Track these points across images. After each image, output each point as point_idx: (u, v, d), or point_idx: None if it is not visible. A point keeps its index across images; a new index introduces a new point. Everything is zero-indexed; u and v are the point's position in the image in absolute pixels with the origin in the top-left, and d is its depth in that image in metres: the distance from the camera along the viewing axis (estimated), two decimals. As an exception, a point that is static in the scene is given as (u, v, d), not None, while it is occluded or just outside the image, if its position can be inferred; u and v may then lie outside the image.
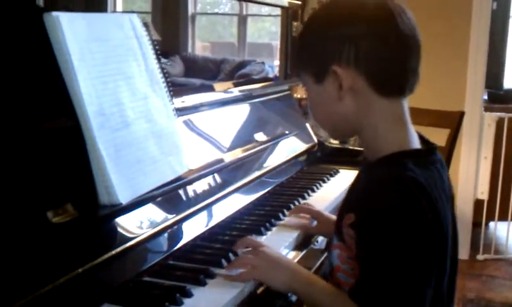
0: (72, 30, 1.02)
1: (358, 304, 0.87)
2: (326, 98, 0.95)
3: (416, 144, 0.97)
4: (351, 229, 0.93)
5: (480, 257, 3.31)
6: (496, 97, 3.80)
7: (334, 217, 1.39)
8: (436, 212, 0.88)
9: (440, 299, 0.93)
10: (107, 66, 1.09)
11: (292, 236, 1.27)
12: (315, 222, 1.34)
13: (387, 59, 0.91)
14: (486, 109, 3.40)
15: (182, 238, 1.16)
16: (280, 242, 1.22)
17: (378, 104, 0.93)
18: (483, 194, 3.36)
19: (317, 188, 1.66)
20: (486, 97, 3.69)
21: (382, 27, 0.91)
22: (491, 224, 3.52)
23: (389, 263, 0.86)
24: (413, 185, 0.87)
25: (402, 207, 0.86)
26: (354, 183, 1.04)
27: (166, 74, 1.26)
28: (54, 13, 1.00)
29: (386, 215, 0.86)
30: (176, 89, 1.30)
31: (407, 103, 0.96)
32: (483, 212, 3.35)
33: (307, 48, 0.98)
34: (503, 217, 3.38)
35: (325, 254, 1.27)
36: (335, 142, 2.11)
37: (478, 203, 3.38)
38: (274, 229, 1.31)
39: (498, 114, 3.33)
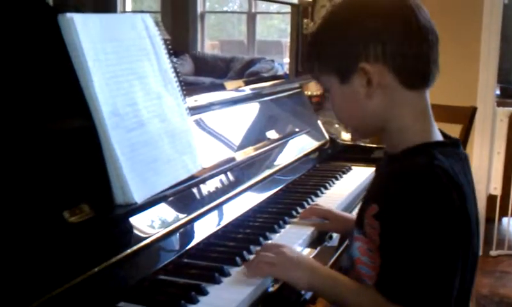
0: (85, 31, 1.03)
1: (385, 296, 0.87)
2: (354, 96, 0.95)
3: (440, 137, 0.98)
4: (375, 220, 0.93)
5: (493, 253, 3.29)
6: (509, 92, 3.76)
7: (345, 214, 1.39)
8: (464, 202, 0.89)
9: (461, 291, 0.92)
10: (121, 66, 1.10)
11: (306, 233, 1.27)
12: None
13: (412, 52, 0.92)
14: (499, 104, 3.37)
15: (196, 236, 1.16)
16: (293, 240, 1.23)
17: (404, 97, 0.94)
18: (496, 189, 3.33)
19: (330, 185, 1.66)
20: (498, 92, 3.65)
21: (404, 21, 0.92)
22: (504, 219, 3.50)
23: (417, 252, 0.85)
24: (443, 175, 0.87)
25: (432, 196, 0.86)
26: (376, 176, 1.05)
27: (177, 73, 1.26)
28: (69, 14, 1.01)
29: (416, 204, 0.86)
30: (188, 88, 1.30)
31: (428, 95, 0.97)
32: (496, 208, 3.32)
33: (330, 49, 0.97)
34: (516, 213, 3.36)
35: (338, 252, 1.28)
36: (346, 139, 2.11)
37: (491, 199, 3.36)
38: (287, 226, 1.31)
39: (511, 109, 3.31)
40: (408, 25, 0.92)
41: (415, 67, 0.93)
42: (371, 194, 1.02)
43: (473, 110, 2.31)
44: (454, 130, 2.17)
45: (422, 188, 0.87)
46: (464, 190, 0.90)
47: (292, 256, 1.03)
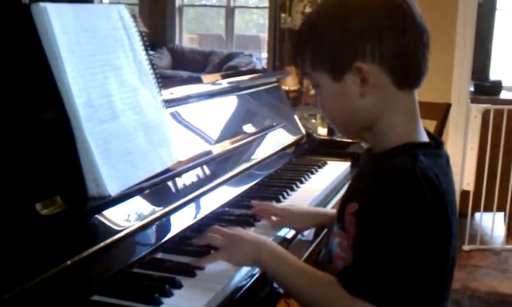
0: (59, 21, 1.01)
1: (346, 288, 0.86)
2: (345, 95, 0.93)
3: (425, 137, 0.97)
4: (353, 217, 0.93)
5: (466, 247, 3.34)
6: (483, 89, 3.82)
7: (307, 207, 1.39)
8: (443, 204, 0.88)
9: (440, 290, 0.93)
10: (95, 57, 1.08)
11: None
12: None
13: (409, 51, 0.91)
14: (472, 101, 3.42)
15: (171, 229, 1.16)
16: (268, 233, 1.23)
17: (396, 97, 0.93)
18: (469, 185, 3.38)
19: (305, 179, 1.66)
20: (472, 89, 3.71)
21: (401, 18, 0.90)
22: (477, 215, 3.56)
23: (387, 251, 0.85)
24: (423, 179, 0.87)
25: (407, 200, 0.86)
26: (358, 174, 1.05)
27: (153, 65, 1.26)
28: (42, 4, 0.99)
29: (390, 205, 0.86)
30: (164, 81, 1.29)
31: (416, 95, 0.97)
32: (469, 203, 3.38)
33: (324, 47, 0.93)
34: (488, 208, 3.42)
35: (313, 245, 1.28)
36: (322, 134, 2.13)
37: (464, 194, 3.41)
38: (262, 220, 1.32)
39: (484, 105, 3.35)
40: (403, 22, 0.90)
41: (411, 66, 0.92)
42: (352, 192, 1.01)
43: (448, 106, 2.34)
44: (429, 126, 2.18)
45: (398, 190, 0.87)
46: (444, 192, 0.89)
47: (235, 235, 1.03)
